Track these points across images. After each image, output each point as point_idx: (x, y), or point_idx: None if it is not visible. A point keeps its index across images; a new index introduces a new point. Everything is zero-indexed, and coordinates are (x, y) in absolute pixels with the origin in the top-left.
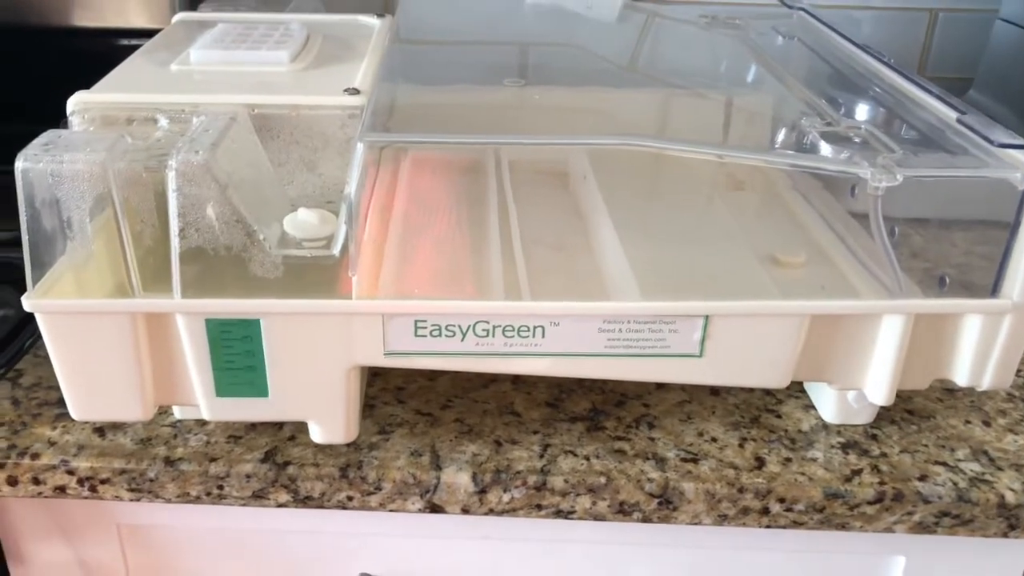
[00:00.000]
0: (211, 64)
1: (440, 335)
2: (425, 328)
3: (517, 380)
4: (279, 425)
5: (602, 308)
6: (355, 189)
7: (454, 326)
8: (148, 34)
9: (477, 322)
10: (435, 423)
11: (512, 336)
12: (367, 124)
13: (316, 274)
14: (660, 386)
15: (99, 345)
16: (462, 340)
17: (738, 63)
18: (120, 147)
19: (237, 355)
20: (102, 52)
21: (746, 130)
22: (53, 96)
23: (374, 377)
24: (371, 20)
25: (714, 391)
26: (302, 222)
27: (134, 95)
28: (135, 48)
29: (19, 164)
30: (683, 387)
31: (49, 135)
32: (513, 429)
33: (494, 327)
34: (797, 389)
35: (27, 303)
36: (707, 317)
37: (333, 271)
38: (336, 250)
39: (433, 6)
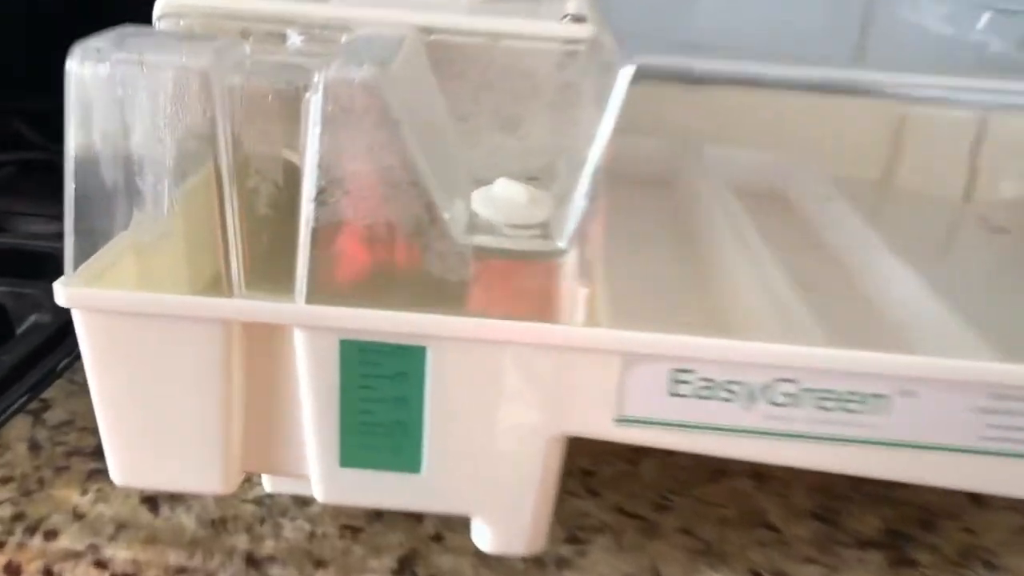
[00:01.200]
0: None
1: (712, 395)
2: (689, 383)
3: (760, 475)
4: (417, 516)
5: (999, 373)
6: (606, 140)
7: (737, 384)
8: None
9: (777, 380)
10: (651, 532)
11: (832, 408)
12: (627, 45)
13: (515, 285)
14: (976, 500)
15: (169, 368)
16: (747, 407)
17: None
18: (234, 54)
19: (383, 403)
20: None
21: None
22: None
23: None
24: None
25: None
26: (502, 199)
27: (254, 1)
28: None
29: (71, 66)
30: (1015, 504)
31: (125, 29)
32: (774, 552)
33: (804, 391)
34: None
35: (61, 292)
36: None
37: (539, 282)
38: (564, 242)
39: None
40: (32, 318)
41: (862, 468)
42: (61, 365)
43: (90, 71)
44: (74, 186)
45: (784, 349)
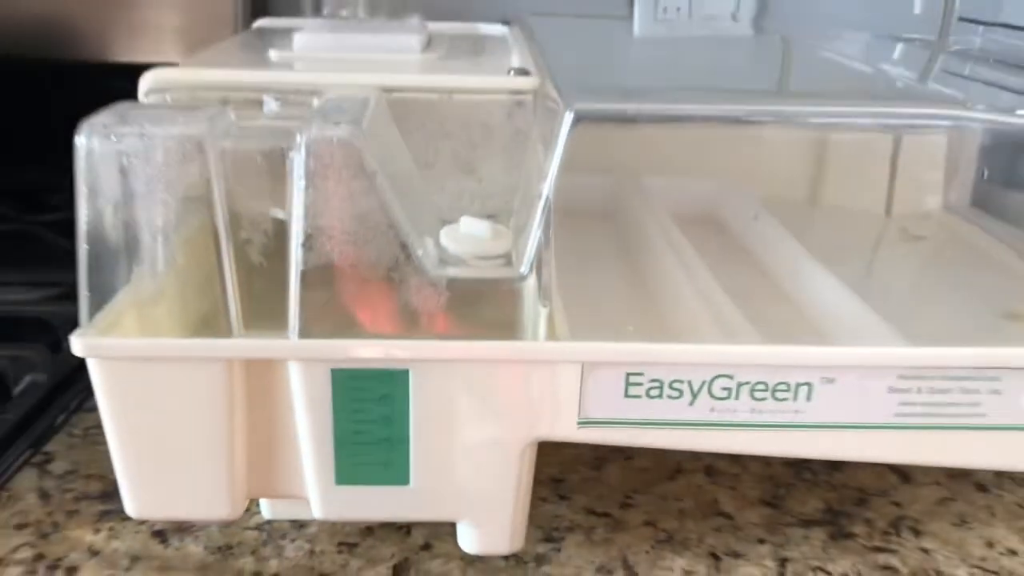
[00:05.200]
0: (322, 50)
1: (661, 395)
2: (640, 385)
3: (713, 471)
4: (405, 528)
5: (904, 357)
6: (554, 177)
7: (682, 382)
8: None
9: (716, 376)
10: (618, 527)
11: (764, 398)
12: (568, 93)
13: (483, 309)
14: (906, 479)
15: (177, 407)
16: (691, 403)
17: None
18: (223, 121)
19: (372, 423)
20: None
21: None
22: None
23: None
24: (496, 28)
25: (980, 485)
26: (467, 235)
27: (233, 73)
28: None
29: (81, 140)
30: (938, 479)
31: (122, 106)
32: (729, 536)
33: (740, 385)
34: None
35: (79, 343)
36: None
37: (504, 306)
38: (525, 268)
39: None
40: (27, 379)
41: (793, 449)
42: (59, 420)
43: (98, 144)
44: (86, 246)
45: (720, 349)
